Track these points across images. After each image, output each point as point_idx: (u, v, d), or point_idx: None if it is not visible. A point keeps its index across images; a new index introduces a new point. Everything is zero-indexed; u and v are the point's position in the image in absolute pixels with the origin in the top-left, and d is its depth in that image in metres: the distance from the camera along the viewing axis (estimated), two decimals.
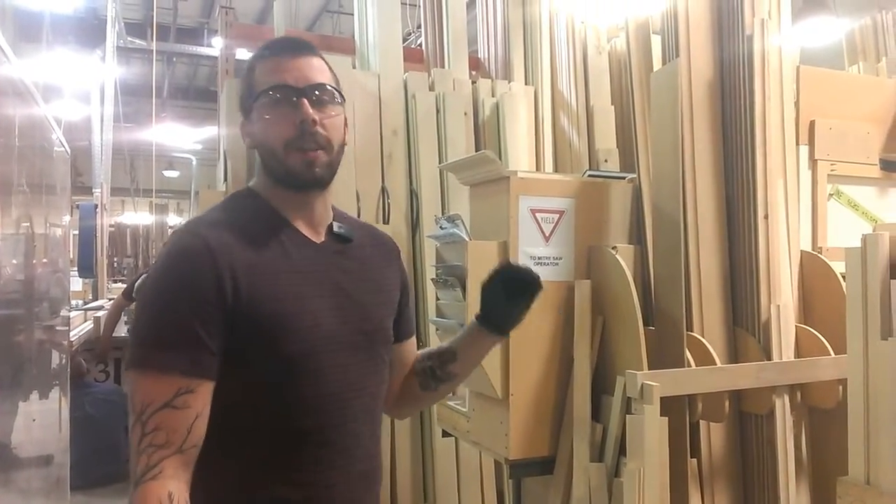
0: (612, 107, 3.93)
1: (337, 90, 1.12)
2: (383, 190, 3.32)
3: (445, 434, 2.65)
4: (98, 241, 6.44)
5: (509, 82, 3.93)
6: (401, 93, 3.48)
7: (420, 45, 4.64)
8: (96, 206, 6.61)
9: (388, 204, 3.39)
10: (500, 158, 3.39)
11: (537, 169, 3.84)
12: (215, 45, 7.47)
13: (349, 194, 3.25)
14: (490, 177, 2.14)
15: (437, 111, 3.47)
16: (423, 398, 1.34)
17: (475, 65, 4.51)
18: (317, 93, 1.08)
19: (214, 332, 0.98)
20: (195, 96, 13.55)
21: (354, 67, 3.64)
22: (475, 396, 2.21)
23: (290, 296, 1.04)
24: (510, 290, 1.25)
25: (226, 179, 3.62)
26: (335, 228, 1.16)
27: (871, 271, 1.78)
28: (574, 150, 3.94)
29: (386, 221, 3.48)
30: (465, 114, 3.57)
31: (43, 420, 2.11)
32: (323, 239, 1.14)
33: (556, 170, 3.90)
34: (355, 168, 3.29)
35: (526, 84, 4.01)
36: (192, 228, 1.06)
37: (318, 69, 1.11)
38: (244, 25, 5.61)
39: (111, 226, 10.49)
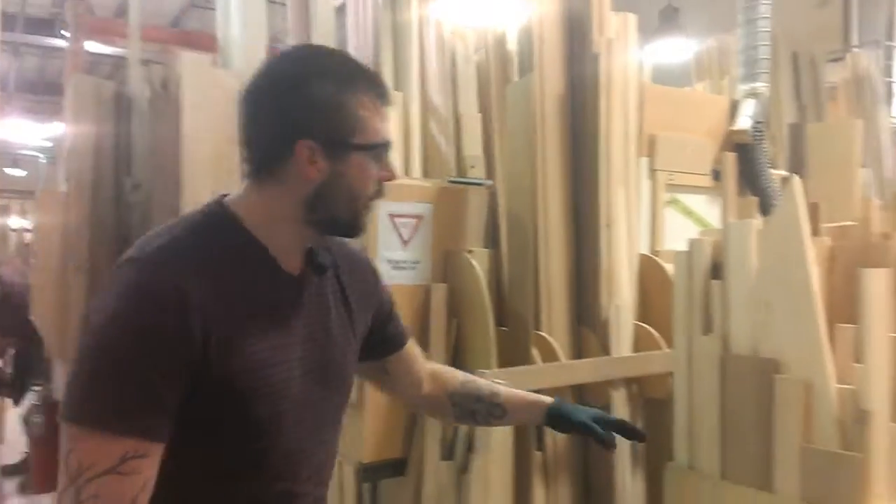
0: (480, 115, 4.04)
1: None
2: (220, 199, 3.23)
3: None
4: None
5: None
6: (263, 70, 3.41)
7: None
8: None
9: None
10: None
11: (407, 174, 3.88)
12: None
13: (204, 199, 3.12)
14: None
15: None
16: (452, 421, 1.44)
17: None
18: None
19: (175, 391, 0.87)
20: (45, 90, 12.53)
21: (215, 65, 3.53)
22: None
23: (264, 356, 0.95)
24: (590, 423, 1.26)
25: (67, 179, 3.40)
26: (315, 255, 1.06)
27: (695, 273, 1.95)
28: (443, 156, 4.02)
29: None
30: None
31: None
32: (300, 269, 1.04)
33: (425, 175, 3.97)
34: (213, 173, 3.18)
35: (395, 90, 4.05)
36: (160, 260, 0.90)
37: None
38: (99, 19, 5.29)
39: None
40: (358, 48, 4.39)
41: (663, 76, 2.78)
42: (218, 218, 1.00)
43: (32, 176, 14.14)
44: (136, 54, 3.73)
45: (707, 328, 1.91)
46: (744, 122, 2.65)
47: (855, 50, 5.83)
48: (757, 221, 1.78)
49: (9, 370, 5.02)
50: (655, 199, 2.67)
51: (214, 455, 0.94)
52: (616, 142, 2.40)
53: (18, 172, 13.81)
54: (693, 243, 1.95)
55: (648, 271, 2.51)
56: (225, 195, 1.04)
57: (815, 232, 1.90)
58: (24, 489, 4.24)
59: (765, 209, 2.66)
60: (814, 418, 1.65)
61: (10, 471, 4.51)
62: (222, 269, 0.93)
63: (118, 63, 6.06)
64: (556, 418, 1.28)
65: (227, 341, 0.90)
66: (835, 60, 5.96)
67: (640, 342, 2.40)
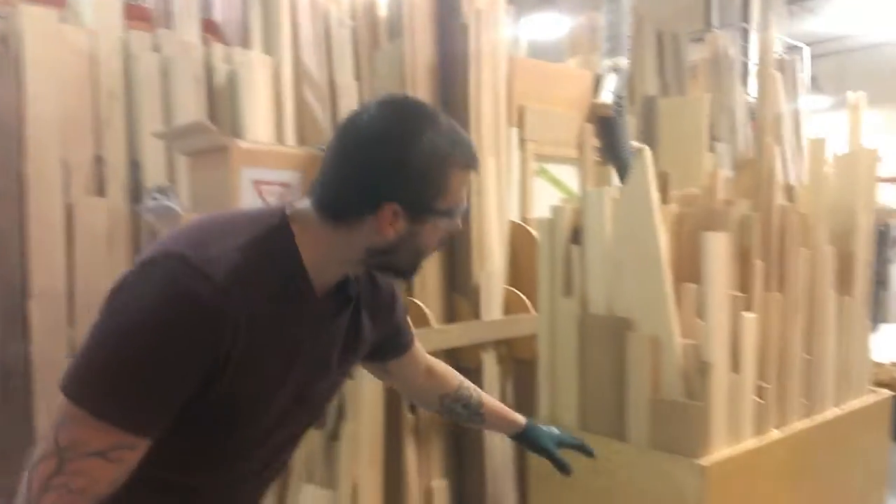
0: (356, 81, 3.97)
1: None
2: (98, 159, 3.00)
3: None
4: None
5: (248, 50, 3.79)
6: (119, 53, 3.18)
7: (144, 2, 4.27)
8: None
9: (104, 174, 3.09)
10: (236, 129, 3.27)
11: (280, 141, 3.77)
12: None
13: (51, 165, 2.88)
14: (209, 146, 2.06)
15: (164, 75, 3.23)
16: (430, 411, 1.49)
17: (210, 28, 4.27)
18: None
19: (185, 398, 0.87)
20: None
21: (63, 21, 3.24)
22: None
23: (272, 381, 0.96)
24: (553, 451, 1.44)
25: None
26: (346, 287, 1.04)
27: (557, 238, 2.04)
28: (318, 123, 3.93)
29: (101, 194, 3.17)
30: (196, 79, 3.37)
31: None
32: (327, 294, 1.01)
33: (300, 142, 3.87)
34: (61, 137, 2.93)
35: (265, 54, 3.90)
36: (213, 274, 0.86)
37: None
38: None
39: None
40: (225, 10, 4.19)
41: (539, 51, 2.84)
42: (280, 245, 0.95)
43: None
44: None
45: (568, 290, 2.00)
46: (606, 95, 2.77)
47: (715, 30, 6.23)
48: (612, 190, 1.87)
49: None
50: (525, 168, 2.74)
51: (180, 440, 0.93)
52: (486, 112, 2.44)
53: None
54: (555, 210, 2.03)
55: (518, 238, 2.59)
56: (289, 208, 0.99)
57: (665, 200, 2.03)
58: None
59: (624, 178, 2.81)
60: (661, 371, 1.78)
61: None
62: (267, 298, 0.91)
63: None
64: (525, 440, 1.44)
65: (245, 363, 0.90)
66: (696, 40, 6.37)
67: (510, 306, 2.48)
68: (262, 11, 4.01)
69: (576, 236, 1.99)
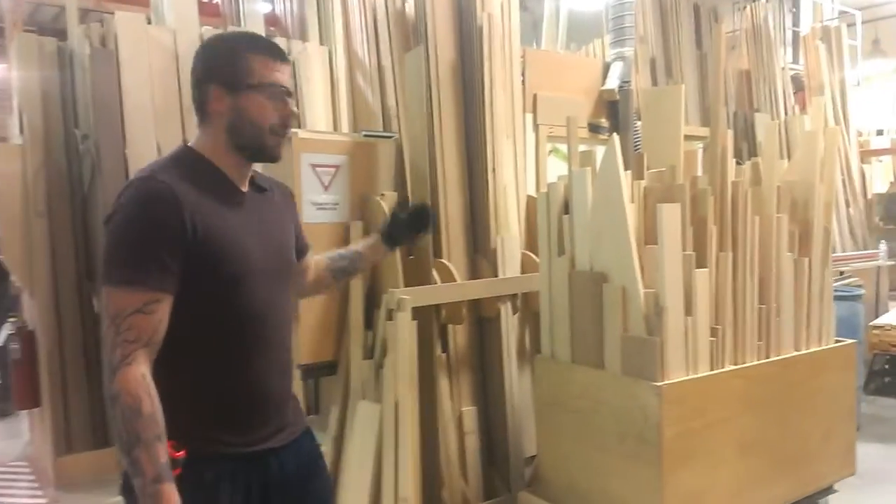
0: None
1: None
2: (185, 142, 3.62)
3: None
4: None
5: (304, 42, 4.30)
6: (197, 48, 3.74)
7: (216, 0, 4.82)
8: None
9: None
10: (298, 116, 3.80)
11: (335, 125, 4.29)
12: None
13: (149, 146, 3.49)
14: None
15: None
16: (333, 286, 1.88)
17: (273, 21, 4.81)
18: (291, 96, 1.42)
19: (176, 258, 1.25)
20: None
21: (150, 23, 3.81)
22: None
23: (229, 234, 1.33)
24: (412, 223, 1.86)
25: (22, 132, 3.70)
26: (256, 181, 1.46)
27: (552, 209, 2.51)
28: (369, 106, 4.42)
29: None
30: None
31: None
32: (247, 189, 1.42)
33: (354, 125, 4.38)
34: (154, 122, 3.53)
35: (321, 44, 4.40)
36: (157, 176, 1.28)
37: (290, 76, 1.43)
38: None
39: None
40: (284, 4, 4.69)
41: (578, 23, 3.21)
42: (186, 153, 1.39)
43: None
44: (74, 12, 3.97)
45: (561, 251, 2.48)
46: (612, 82, 3.18)
47: (755, 1, 6.36)
48: (591, 169, 2.32)
49: None
50: (539, 148, 3.20)
51: (204, 309, 1.30)
52: (499, 100, 2.90)
53: None
54: (550, 186, 2.50)
55: (534, 209, 3.06)
56: (186, 142, 1.45)
57: (640, 176, 2.48)
58: (2, 414, 4.68)
59: (636, 150, 3.23)
60: (629, 314, 2.25)
61: None
62: (196, 182, 1.32)
63: (59, 14, 6.08)
64: (388, 245, 1.87)
65: (203, 225, 1.28)
66: (742, 10, 6.53)
67: (526, 266, 2.96)
68: (316, 4, 4.50)
69: (567, 208, 2.46)
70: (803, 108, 6.30)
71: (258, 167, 1.49)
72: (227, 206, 1.36)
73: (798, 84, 6.63)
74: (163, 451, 1.19)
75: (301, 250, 1.64)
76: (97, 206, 3.57)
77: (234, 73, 1.36)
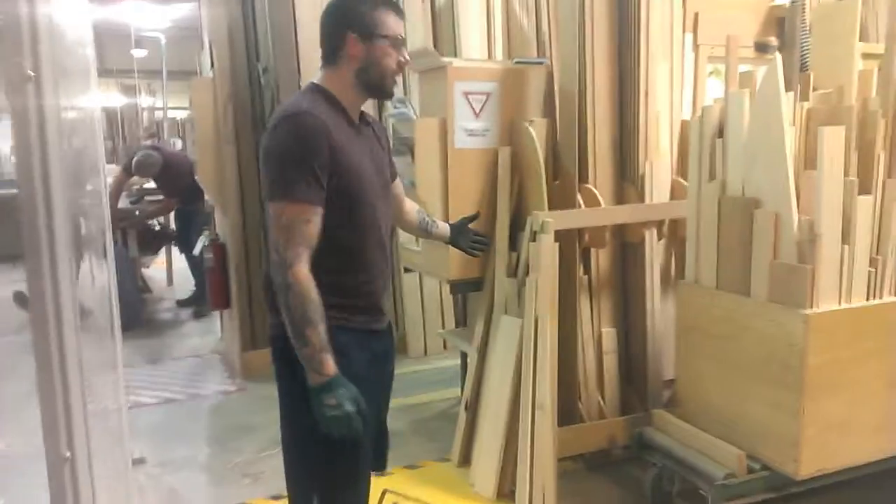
0: None
1: None
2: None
3: (407, 270, 3.40)
4: None
5: None
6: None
7: None
8: None
9: None
10: (454, 44, 3.91)
11: (489, 52, 4.36)
12: None
13: (314, 66, 3.77)
14: (432, 65, 2.74)
15: None
16: (409, 231, 2.24)
17: None
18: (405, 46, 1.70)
19: (324, 178, 1.52)
20: None
21: None
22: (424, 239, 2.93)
23: (354, 159, 1.59)
24: (472, 241, 2.30)
25: (213, 66, 4.14)
26: (363, 116, 1.73)
27: (705, 133, 2.46)
28: (524, 33, 4.43)
29: None
30: (423, 1, 4.04)
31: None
32: (358, 122, 1.69)
33: (508, 52, 4.41)
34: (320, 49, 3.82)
35: None
36: (309, 111, 1.54)
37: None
38: None
39: None
40: None
41: None
42: (321, 90, 1.64)
43: (154, 56, 15.17)
44: None
45: (712, 176, 2.44)
46: None
47: None
48: (750, 90, 2.24)
49: (172, 226, 6.18)
50: (698, 70, 3.08)
51: (339, 220, 1.58)
52: (656, 21, 2.82)
53: (140, 53, 14.86)
54: (704, 109, 2.44)
55: (688, 134, 2.98)
56: (314, 82, 1.69)
57: (804, 97, 2.35)
58: (196, 315, 5.45)
59: (804, 70, 3.02)
60: (780, 241, 2.20)
61: (183, 303, 5.74)
62: (331, 117, 1.58)
63: None
64: (455, 242, 2.25)
65: (339, 150, 1.55)
66: None
67: (676, 192, 2.93)
68: None
69: (721, 132, 2.40)
70: None
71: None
72: (349, 134, 1.61)
73: None
74: (324, 330, 1.49)
75: (392, 175, 1.89)
76: None
77: (369, 24, 1.61)
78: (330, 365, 1.49)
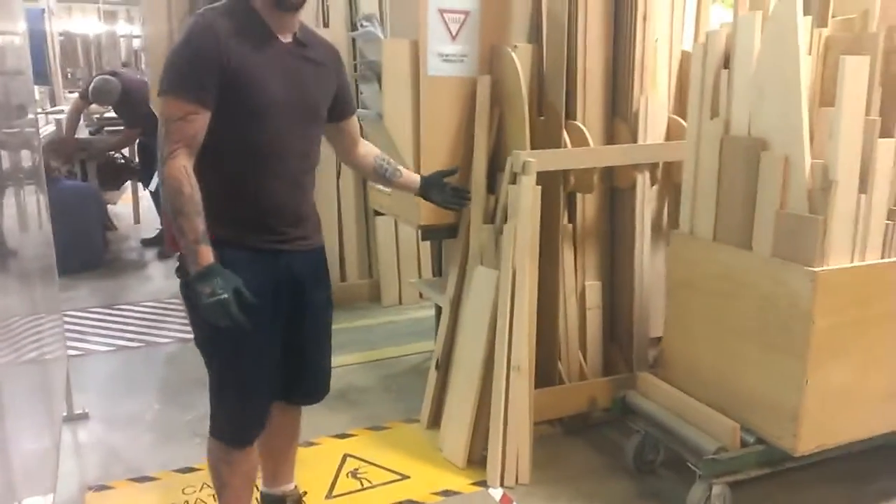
0: None
1: None
2: None
3: (377, 213, 3.13)
4: (49, 47, 6.46)
5: None
6: None
7: None
8: (43, 10, 6.53)
9: (328, 8, 3.63)
10: None
11: None
12: None
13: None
14: None
15: None
16: (367, 178, 2.25)
17: None
18: None
19: (213, 82, 1.54)
20: None
21: None
22: None
23: (258, 71, 1.59)
24: (450, 195, 2.10)
25: None
26: (298, 36, 1.68)
27: (709, 63, 2.16)
28: None
29: (326, 25, 3.71)
30: None
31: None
32: (289, 41, 1.66)
33: None
34: None
35: None
36: (208, 17, 1.58)
37: None
38: None
39: (60, 34, 10.19)
40: None
41: None
42: (240, 5, 1.62)
43: None
44: None
45: (714, 113, 2.16)
46: None
47: None
48: (762, 13, 1.94)
49: (135, 160, 5.82)
50: None
51: (232, 132, 1.58)
52: None
53: None
54: (709, 35, 2.14)
55: (688, 66, 2.67)
56: None
57: (823, 23, 2.05)
58: (161, 256, 5.15)
59: None
60: (789, 188, 1.94)
61: (148, 243, 5.43)
62: (240, 26, 1.58)
63: None
64: (422, 195, 2.11)
65: (237, 59, 1.55)
66: None
67: (672, 132, 2.65)
68: None
69: (727, 62, 2.10)
70: None
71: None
72: (261, 49, 1.60)
73: None
74: (200, 223, 1.51)
75: (343, 112, 1.86)
76: None
77: None
78: (205, 255, 1.51)
